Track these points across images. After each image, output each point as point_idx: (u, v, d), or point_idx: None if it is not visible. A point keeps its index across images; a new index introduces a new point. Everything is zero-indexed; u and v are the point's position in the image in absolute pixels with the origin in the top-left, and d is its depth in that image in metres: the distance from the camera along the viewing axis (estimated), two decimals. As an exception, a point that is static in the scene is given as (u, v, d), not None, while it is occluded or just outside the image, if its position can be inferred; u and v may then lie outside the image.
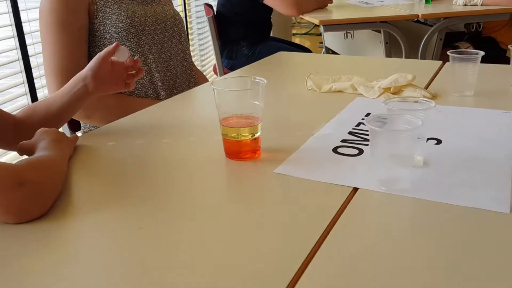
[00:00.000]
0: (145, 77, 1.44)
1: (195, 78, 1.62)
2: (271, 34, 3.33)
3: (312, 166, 0.86)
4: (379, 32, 2.89)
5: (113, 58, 1.09)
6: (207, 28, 3.11)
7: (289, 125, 1.07)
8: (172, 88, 1.51)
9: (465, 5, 2.86)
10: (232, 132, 0.88)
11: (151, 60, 1.44)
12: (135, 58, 1.19)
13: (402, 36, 2.79)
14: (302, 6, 2.87)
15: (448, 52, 1.20)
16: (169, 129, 1.07)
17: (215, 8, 3.07)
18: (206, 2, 3.18)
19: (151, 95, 1.46)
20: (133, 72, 1.16)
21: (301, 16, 2.92)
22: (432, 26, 2.86)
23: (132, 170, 0.87)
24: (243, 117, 0.87)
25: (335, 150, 0.92)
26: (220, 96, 0.86)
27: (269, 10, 3.00)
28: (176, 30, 1.54)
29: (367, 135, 0.98)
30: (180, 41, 1.56)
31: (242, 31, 2.99)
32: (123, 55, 1.09)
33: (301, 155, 0.91)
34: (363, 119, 1.08)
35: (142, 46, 1.41)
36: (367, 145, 0.93)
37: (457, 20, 2.87)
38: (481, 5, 2.83)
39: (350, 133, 1.00)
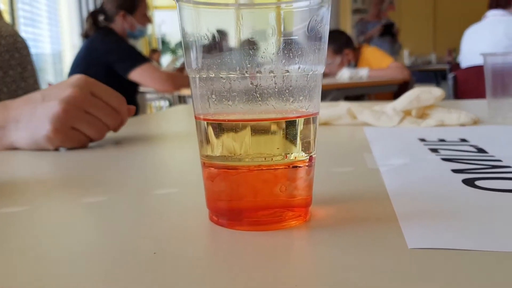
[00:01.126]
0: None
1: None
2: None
3: (477, 223, 0.30)
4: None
5: None
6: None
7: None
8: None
9: (351, 78, 2.68)
10: (245, 149, 0.29)
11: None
12: None
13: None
14: (177, 80, 2.39)
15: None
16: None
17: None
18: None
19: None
20: None
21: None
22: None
23: None
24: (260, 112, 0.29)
25: (469, 183, 0.38)
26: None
27: (135, 89, 2.46)
28: (17, 57, 0.91)
29: (497, 160, 0.47)
30: (23, 77, 0.92)
31: None
32: None
33: (413, 198, 0.35)
34: (429, 145, 0.57)
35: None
36: (517, 173, 0.41)
37: (347, 91, 2.65)
38: (367, 77, 2.68)
39: (448, 160, 0.48)
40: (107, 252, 0.27)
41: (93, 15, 2.20)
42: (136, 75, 2.20)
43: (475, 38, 2.43)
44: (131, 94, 2.48)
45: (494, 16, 2.35)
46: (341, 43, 2.81)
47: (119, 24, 2.17)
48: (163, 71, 2.43)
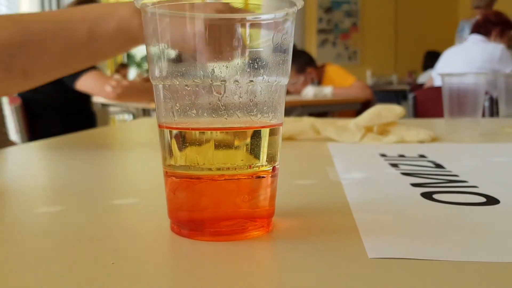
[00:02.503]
0: None
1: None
2: (98, 126, 2.66)
3: (434, 234, 0.31)
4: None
5: None
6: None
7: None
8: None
9: (316, 96, 2.72)
10: (211, 157, 0.29)
11: None
12: None
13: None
14: (125, 90, 2.29)
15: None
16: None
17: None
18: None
19: None
20: None
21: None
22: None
23: None
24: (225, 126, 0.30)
25: (427, 196, 0.39)
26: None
27: (87, 98, 2.38)
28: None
29: (454, 175, 0.49)
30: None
31: (57, 124, 2.27)
32: None
33: (374, 210, 0.35)
34: (389, 160, 0.58)
35: None
36: (472, 187, 0.43)
37: (312, 109, 2.69)
38: (331, 95, 2.72)
39: (407, 174, 0.49)
40: (62, 262, 0.26)
41: None
42: (81, 83, 2.11)
43: (452, 58, 2.54)
44: (85, 102, 2.38)
45: (474, 40, 2.49)
46: (303, 62, 2.86)
47: None
48: (109, 77, 2.33)
